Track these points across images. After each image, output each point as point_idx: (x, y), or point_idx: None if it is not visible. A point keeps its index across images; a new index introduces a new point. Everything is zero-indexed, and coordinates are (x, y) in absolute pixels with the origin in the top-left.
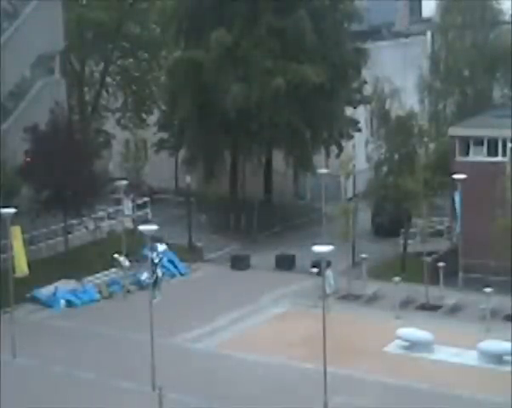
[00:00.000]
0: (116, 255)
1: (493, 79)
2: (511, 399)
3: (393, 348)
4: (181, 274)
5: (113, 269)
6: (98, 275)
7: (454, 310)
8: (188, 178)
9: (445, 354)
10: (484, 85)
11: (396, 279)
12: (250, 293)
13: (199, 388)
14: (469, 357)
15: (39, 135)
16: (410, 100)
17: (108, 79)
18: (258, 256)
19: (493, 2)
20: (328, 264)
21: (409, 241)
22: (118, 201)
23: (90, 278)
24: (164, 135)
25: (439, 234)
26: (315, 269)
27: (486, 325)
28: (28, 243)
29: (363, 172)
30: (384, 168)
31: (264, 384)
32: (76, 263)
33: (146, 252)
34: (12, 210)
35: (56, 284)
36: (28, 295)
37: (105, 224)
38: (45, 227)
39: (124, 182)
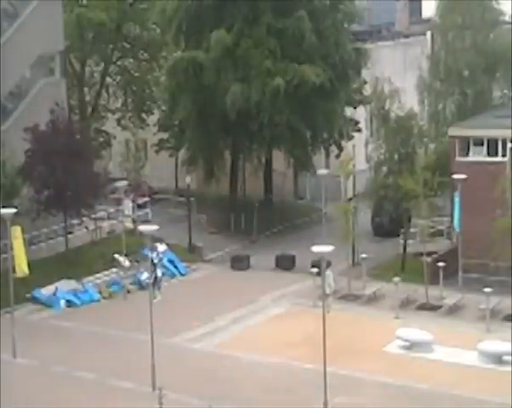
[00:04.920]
0: (116, 255)
1: (493, 79)
2: (511, 399)
3: (393, 348)
4: (181, 274)
5: (113, 269)
6: (98, 275)
7: (454, 310)
8: (188, 178)
9: (444, 354)
10: (484, 85)
11: (396, 279)
12: (250, 293)
13: (199, 388)
14: (469, 357)
15: (39, 135)
16: (410, 100)
17: (108, 79)
18: (258, 256)
19: (493, 2)
20: (328, 264)
21: (409, 241)
22: (118, 201)
23: (90, 278)
24: (164, 135)
25: (439, 234)
26: (315, 269)
27: (485, 325)
28: (28, 243)
29: (363, 172)
30: (384, 168)
31: (264, 384)
32: (76, 263)
33: (146, 252)
34: (12, 210)
35: (56, 284)
36: (28, 295)
37: (106, 224)
38: (45, 227)
39: (124, 182)
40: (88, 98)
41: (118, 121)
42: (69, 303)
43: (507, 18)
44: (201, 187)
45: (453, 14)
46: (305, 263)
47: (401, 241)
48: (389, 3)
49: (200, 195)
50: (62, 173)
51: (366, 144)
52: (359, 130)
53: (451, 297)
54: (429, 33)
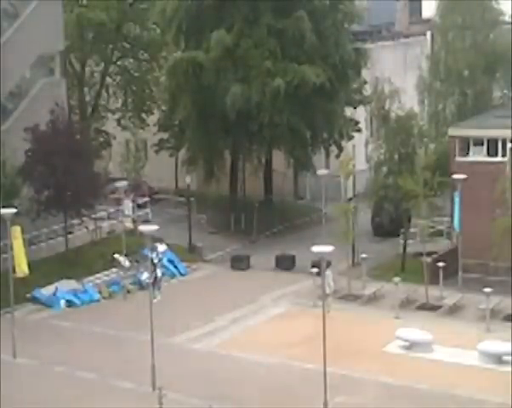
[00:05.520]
0: (116, 255)
1: (493, 79)
2: (511, 399)
3: (392, 348)
4: (181, 274)
5: (113, 269)
6: (98, 275)
7: (454, 310)
8: (188, 178)
9: (444, 354)
10: (484, 85)
11: (396, 279)
12: (250, 293)
13: (199, 388)
14: (469, 357)
15: (39, 135)
16: (410, 100)
17: (108, 79)
18: (259, 256)
19: (493, 2)
20: (328, 264)
21: (409, 241)
22: (118, 201)
23: (90, 278)
24: (164, 135)
25: (439, 234)
26: (315, 269)
27: (485, 325)
28: (28, 243)
29: (363, 172)
30: (384, 168)
31: (264, 384)
32: (76, 263)
33: (146, 252)
34: (12, 210)
35: (56, 284)
36: (28, 295)
37: (106, 224)
38: (45, 227)
39: (124, 182)
40: (88, 98)
41: (118, 121)
42: (69, 303)
43: (507, 18)
44: (201, 187)
45: (453, 14)
46: (305, 263)
47: (401, 241)
48: (389, 3)
49: (200, 195)
50: (62, 173)
51: (367, 144)
52: (359, 130)
53: (451, 297)
54: (429, 33)
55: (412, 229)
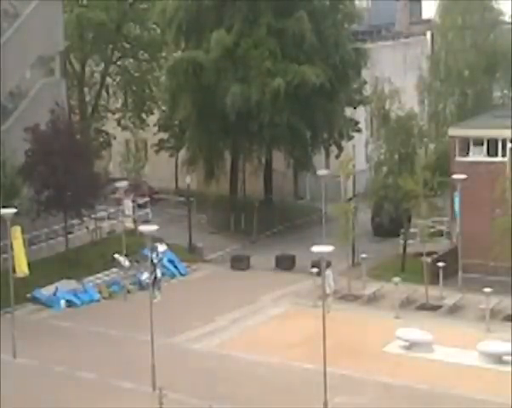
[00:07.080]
0: (116, 255)
1: (493, 79)
2: (511, 399)
3: (393, 348)
4: (181, 275)
5: (113, 269)
6: (98, 275)
7: (454, 310)
8: (188, 178)
9: (444, 354)
10: (484, 85)
11: (396, 279)
12: (250, 293)
13: (199, 388)
14: (469, 357)
15: (39, 135)
16: (410, 100)
17: (108, 79)
18: (259, 256)
19: (493, 2)
20: (328, 264)
21: (409, 241)
22: (118, 201)
23: (90, 278)
24: (164, 135)
25: (439, 234)
26: (315, 269)
27: (485, 325)
28: (28, 243)
29: (363, 172)
30: (384, 168)
31: (264, 384)
32: (76, 263)
33: (146, 252)
34: (12, 210)
35: (56, 284)
36: (28, 295)
37: (106, 224)
38: (45, 227)
39: (124, 182)
40: (88, 98)
41: (118, 121)
42: (69, 303)
43: (507, 18)
44: (201, 187)
45: (453, 14)
46: (305, 263)
47: (401, 241)
48: (389, 3)
49: (200, 195)
50: (62, 173)
51: (367, 144)
52: (359, 130)
53: (451, 297)
54: (429, 33)
55: (412, 229)
